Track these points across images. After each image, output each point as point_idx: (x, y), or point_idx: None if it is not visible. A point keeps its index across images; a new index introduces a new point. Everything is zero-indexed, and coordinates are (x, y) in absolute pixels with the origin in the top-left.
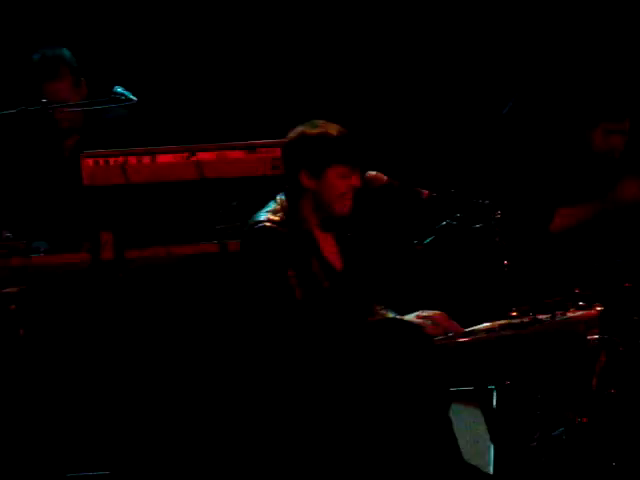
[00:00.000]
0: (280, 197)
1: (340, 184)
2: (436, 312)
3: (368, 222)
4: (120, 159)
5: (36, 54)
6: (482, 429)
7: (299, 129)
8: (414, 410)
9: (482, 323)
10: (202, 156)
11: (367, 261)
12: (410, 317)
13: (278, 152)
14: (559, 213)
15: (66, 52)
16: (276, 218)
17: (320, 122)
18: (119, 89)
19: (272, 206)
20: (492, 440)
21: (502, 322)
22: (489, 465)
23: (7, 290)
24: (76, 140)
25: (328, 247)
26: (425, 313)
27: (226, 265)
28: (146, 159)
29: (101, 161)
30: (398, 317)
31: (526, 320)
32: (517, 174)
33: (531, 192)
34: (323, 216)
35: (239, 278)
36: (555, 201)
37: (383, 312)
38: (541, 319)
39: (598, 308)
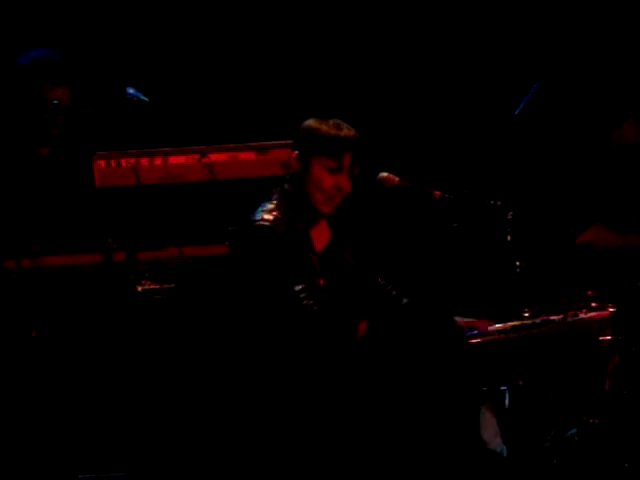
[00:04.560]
0: (275, 195)
1: (323, 177)
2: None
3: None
4: (132, 160)
5: (35, 55)
6: (495, 430)
7: (306, 121)
8: (444, 400)
9: (494, 324)
10: (214, 157)
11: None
12: None
13: (290, 153)
14: (593, 228)
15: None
16: (271, 217)
17: (331, 120)
18: (131, 90)
19: (267, 205)
20: (505, 441)
21: (514, 323)
22: None
23: None
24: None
25: (320, 242)
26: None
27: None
28: (158, 160)
29: (113, 162)
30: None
31: (538, 321)
32: (539, 177)
33: (568, 202)
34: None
35: (233, 279)
36: (592, 213)
37: (394, 293)
38: (553, 320)
39: (611, 309)
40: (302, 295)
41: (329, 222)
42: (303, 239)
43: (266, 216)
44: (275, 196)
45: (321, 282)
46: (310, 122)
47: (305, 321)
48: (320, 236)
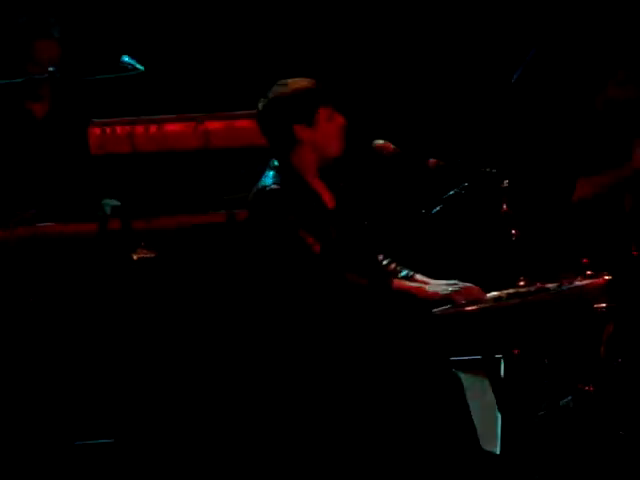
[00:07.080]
0: (273, 164)
1: (331, 125)
2: (468, 284)
3: (361, 182)
4: (127, 128)
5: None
6: (489, 398)
7: (273, 93)
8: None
9: (490, 292)
10: (209, 125)
11: (358, 208)
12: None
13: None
14: (579, 183)
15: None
16: (278, 184)
17: (284, 80)
18: (126, 58)
19: (272, 173)
20: (500, 409)
21: (510, 291)
22: (496, 434)
23: None
24: (48, 105)
25: (326, 195)
26: (460, 285)
27: (234, 234)
28: (153, 128)
29: (108, 130)
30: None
31: (533, 289)
32: (535, 144)
33: (554, 162)
34: (320, 163)
35: (250, 245)
36: (578, 169)
37: (392, 266)
38: (548, 288)
39: (606, 277)
40: (306, 236)
41: (325, 182)
42: (313, 196)
43: (275, 181)
44: (274, 166)
45: (333, 234)
46: (290, 86)
47: (313, 266)
48: (324, 194)
